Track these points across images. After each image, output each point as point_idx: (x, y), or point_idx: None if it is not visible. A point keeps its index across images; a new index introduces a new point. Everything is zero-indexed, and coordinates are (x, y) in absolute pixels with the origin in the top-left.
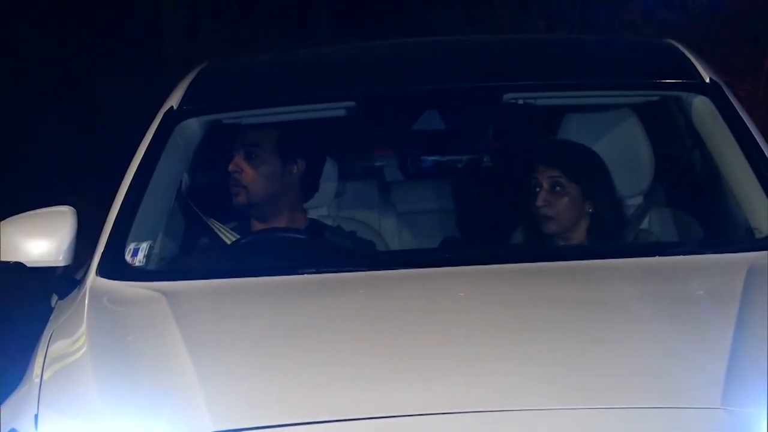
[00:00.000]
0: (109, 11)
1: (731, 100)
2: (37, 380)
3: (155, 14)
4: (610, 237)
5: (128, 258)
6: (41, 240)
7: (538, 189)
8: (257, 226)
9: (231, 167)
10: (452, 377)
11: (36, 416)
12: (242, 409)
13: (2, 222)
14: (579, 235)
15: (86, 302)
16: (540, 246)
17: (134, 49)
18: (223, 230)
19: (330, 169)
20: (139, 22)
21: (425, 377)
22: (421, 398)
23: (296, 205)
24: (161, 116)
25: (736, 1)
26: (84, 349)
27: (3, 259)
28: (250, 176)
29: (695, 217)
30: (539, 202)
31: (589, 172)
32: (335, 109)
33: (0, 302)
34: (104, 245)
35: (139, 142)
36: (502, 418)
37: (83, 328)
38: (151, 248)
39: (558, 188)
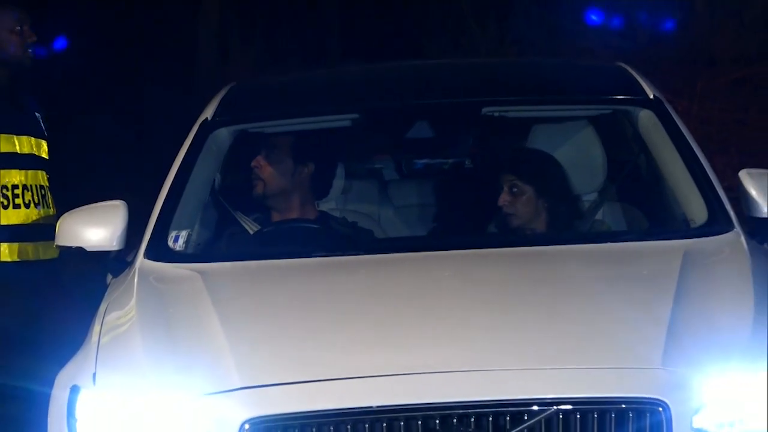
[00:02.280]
0: (154, 40)
1: (671, 113)
2: (95, 345)
3: (193, 42)
4: (566, 227)
5: (170, 243)
6: (98, 228)
7: (512, 185)
8: (275, 217)
9: (253, 163)
10: (438, 342)
11: (94, 374)
12: (265, 368)
13: (64, 214)
14: (540, 226)
15: (135, 280)
16: (509, 234)
17: (175, 72)
18: (247, 221)
19: (338, 170)
20: (179, 49)
21: (416, 343)
22: (413, 360)
23: (307, 199)
24: (197, 126)
25: (675, 33)
26: (133, 319)
27: (66, 245)
28: (267, 171)
29: (641, 210)
30: (500, 202)
31: (542, 174)
32: (342, 120)
33: (63, 281)
34: (151, 233)
35: (179, 148)
36: (479, 377)
37: (133, 301)
38: (189, 236)
39: (515, 189)
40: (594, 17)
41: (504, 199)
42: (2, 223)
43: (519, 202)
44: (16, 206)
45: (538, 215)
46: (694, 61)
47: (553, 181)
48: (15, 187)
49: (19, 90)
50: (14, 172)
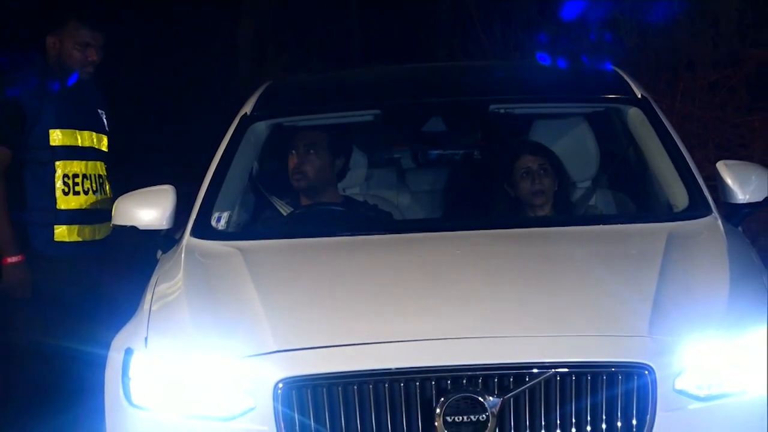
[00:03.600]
0: (199, 46)
1: (657, 111)
2: (147, 312)
3: (233, 48)
4: (564, 211)
5: (213, 223)
6: (150, 209)
7: (524, 171)
8: (305, 201)
9: (296, 161)
10: (450, 312)
11: (146, 338)
12: (297, 334)
13: (120, 197)
14: (547, 209)
15: (183, 255)
16: (515, 216)
17: (218, 73)
18: (281, 204)
19: (361, 159)
20: (221, 54)
21: (430, 312)
22: (428, 327)
23: (334, 186)
24: (237, 120)
25: (660, 38)
26: (181, 289)
27: (121, 224)
28: (311, 168)
29: (629, 196)
30: (533, 182)
31: (556, 161)
32: (365, 116)
33: (118, 256)
34: (196, 214)
35: (221, 140)
36: (486, 343)
37: (180, 274)
38: (230, 216)
39: (542, 171)
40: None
41: (535, 176)
42: (63, 208)
43: (546, 181)
44: (76, 193)
45: (545, 199)
46: (676, 67)
47: (561, 169)
48: (75, 176)
49: (85, 91)
50: (75, 162)
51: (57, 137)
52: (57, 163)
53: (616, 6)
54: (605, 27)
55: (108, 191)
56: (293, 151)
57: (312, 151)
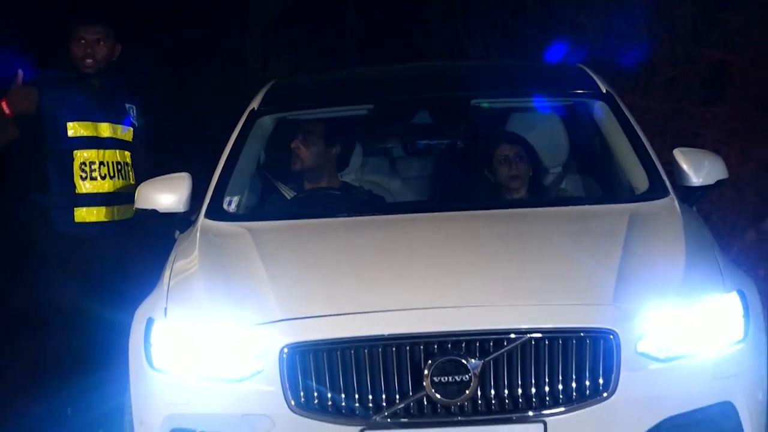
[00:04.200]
0: (211, 51)
1: (620, 104)
2: (166, 286)
3: (240, 53)
4: (537, 193)
5: (225, 206)
6: (169, 194)
7: (503, 158)
8: (307, 186)
9: (293, 146)
10: (435, 284)
11: (165, 309)
12: (300, 304)
13: (141, 183)
14: (523, 192)
15: (198, 235)
16: (494, 198)
17: (227, 75)
18: (285, 189)
19: (358, 149)
20: (230, 57)
21: (418, 284)
22: (416, 298)
23: (333, 173)
24: (246, 115)
25: (624, 38)
26: (196, 265)
27: (143, 207)
28: (304, 152)
29: (596, 180)
30: (510, 167)
31: (530, 149)
32: (360, 110)
33: (140, 236)
34: (210, 198)
35: (231, 134)
36: (468, 311)
37: (196, 251)
38: (240, 200)
39: (518, 158)
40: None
41: (512, 163)
42: (81, 192)
43: (522, 166)
44: (93, 178)
45: (520, 183)
46: (637, 65)
47: (535, 156)
48: (92, 163)
49: (109, 86)
50: (92, 151)
51: (74, 129)
52: (75, 152)
53: (584, 11)
54: (574, 30)
55: (131, 177)
56: (293, 139)
57: (307, 139)
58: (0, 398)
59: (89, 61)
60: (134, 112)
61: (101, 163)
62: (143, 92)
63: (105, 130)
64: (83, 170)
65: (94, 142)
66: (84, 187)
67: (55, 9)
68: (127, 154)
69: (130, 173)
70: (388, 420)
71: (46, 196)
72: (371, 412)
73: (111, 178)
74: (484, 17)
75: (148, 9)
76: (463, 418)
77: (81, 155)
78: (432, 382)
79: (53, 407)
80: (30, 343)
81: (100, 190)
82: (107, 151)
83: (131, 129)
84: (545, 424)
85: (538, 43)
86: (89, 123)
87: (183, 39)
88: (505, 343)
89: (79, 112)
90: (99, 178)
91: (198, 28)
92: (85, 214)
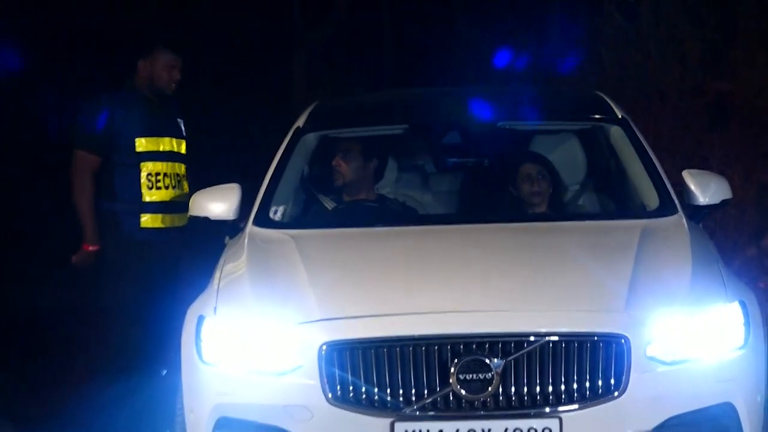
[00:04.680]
0: (262, 73)
1: (634, 129)
2: (216, 286)
3: (290, 80)
4: (558, 209)
5: (271, 215)
6: (220, 203)
7: (526, 176)
8: (347, 198)
9: (334, 163)
10: (462, 290)
11: (215, 307)
12: (338, 305)
13: (195, 193)
14: (544, 207)
15: (246, 241)
16: (518, 212)
17: (278, 98)
18: (326, 200)
19: (393, 165)
20: (281, 83)
21: (447, 289)
22: (445, 302)
23: (371, 186)
24: (291, 132)
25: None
26: (244, 268)
27: (196, 215)
28: (345, 168)
29: (611, 198)
30: (532, 184)
31: (550, 169)
32: (396, 130)
33: (194, 241)
34: (257, 207)
35: (278, 149)
36: (492, 316)
37: (244, 256)
38: (285, 210)
39: (540, 176)
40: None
41: (534, 181)
42: (147, 200)
43: (544, 184)
44: (158, 188)
45: (541, 199)
46: (650, 95)
47: (555, 175)
48: (158, 174)
49: (166, 104)
50: (158, 163)
51: (142, 144)
52: (142, 164)
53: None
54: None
55: (186, 187)
56: (335, 155)
57: (347, 156)
58: (71, 384)
59: (173, 85)
60: (182, 126)
61: (165, 175)
62: (200, 112)
63: (166, 144)
64: (149, 180)
65: (157, 155)
66: (149, 196)
67: (144, 37)
68: (183, 166)
69: (185, 183)
70: (417, 413)
71: (115, 204)
72: (401, 406)
73: (173, 188)
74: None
75: (205, 34)
76: (485, 413)
77: (147, 167)
78: (458, 379)
79: (114, 392)
80: (93, 334)
81: (164, 199)
82: (168, 164)
83: (184, 142)
84: (560, 419)
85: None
86: (154, 138)
87: (237, 63)
88: (525, 345)
89: (146, 128)
90: (163, 188)
91: (250, 53)
92: (149, 221)
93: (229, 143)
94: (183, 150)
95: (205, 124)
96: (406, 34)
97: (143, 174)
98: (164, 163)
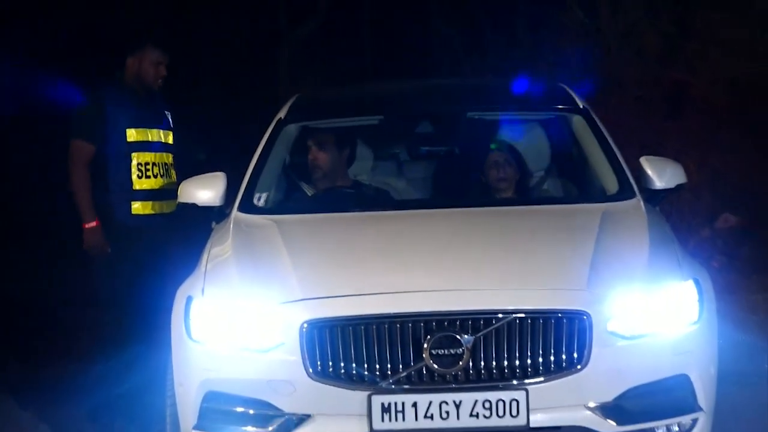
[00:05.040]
0: (247, 67)
1: (594, 118)
2: (203, 268)
3: (276, 74)
4: (526, 193)
5: (255, 201)
6: (207, 191)
7: (492, 163)
8: (323, 185)
9: (311, 157)
10: (435, 270)
11: (203, 288)
12: (318, 285)
13: (184, 181)
14: (511, 192)
15: (231, 225)
16: (487, 197)
17: (263, 91)
18: (306, 187)
19: (368, 153)
20: (264, 77)
21: (421, 270)
22: (419, 282)
23: (345, 173)
24: (274, 123)
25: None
26: (230, 251)
27: (185, 201)
28: (323, 159)
29: (573, 183)
30: (488, 172)
31: (516, 156)
32: (372, 120)
33: (182, 226)
34: (242, 194)
35: (261, 138)
36: (462, 294)
37: (230, 240)
38: (267, 196)
39: (506, 163)
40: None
41: (500, 168)
42: (137, 188)
43: (509, 170)
44: (147, 177)
45: (508, 184)
46: (610, 86)
47: (521, 161)
48: (147, 164)
49: (154, 97)
50: (147, 154)
51: (132, 135)
52: (132, 154)
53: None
54: (555, 53)
55: (173, 176)
56: (311, 147)
57: (322, 148)
58: (71, 360)
59: (160, 81)
60: (170, 118)
61: (153, 164)
62: (187, 104)
63: (155, 135)
64: (139, 170)
65: (146, 146)
66: (139, 184)
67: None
68: (170, 156)
69: (172, 172)
70: (393, 386)
71: (107, 192)
72: (378, 380)
73: (162, 177)
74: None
75: (194, 32)
76: (456, 386)
77: (137, 157)
78: (430, 354)
79: (111, 367)
80: (89, 315)
81: (153, 187)
82: (156, 154)
83: (171, 133)
84: (527, 391)
85: (525, 63)
86: (143, 129)
87: (223, 58)
88: (494, 322)
89: (135, 120)
90: (152, 176)
91: (237, 49)
92: (140, 208)
93: (218, 132)
94: (170, 141)
95: (193, 116)
96: (385, 33)
97: (133, 164)
98: (153, 154)
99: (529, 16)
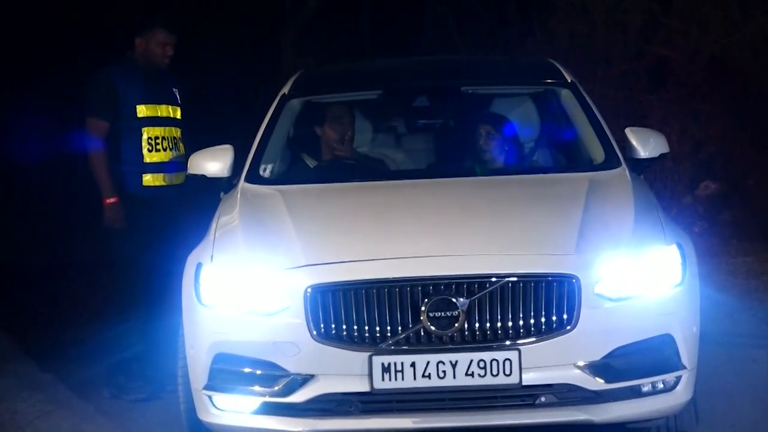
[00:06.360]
0: (254, 45)
1: (582, 91)
2: (212, 236)
3: (279, 50)
4: (516, 163)
5: (261, 172)
6: (215, 162)
7: (480, 136)
8: (327, 156)
9: (333, 129)
10: (432, 236)
11: (212, 255)
12: (321, 251)
13: (193, 153)
14: (500, 163)
15: (238, 195)
16: (479, 167)
17: (268, 66)
18: (308, 159)
19: (368, 126)
20: (269, 53)
21: (418, 236)
22: (417, 247)
23: (349, 146)
24: (278, 98)
25: (583, 42)
26: (237, 220)
27: (194, 173)
28: (342, 131)
29: (562, 153)
30: (482, 143)
31: (503, 127)
32: (371, 95)
33: (192, 196)
34: (248, 165)
35: (266, 112)
36: (458, 259)
37: (237, 209)
38: (273, 167)
39: (491, 135)
40: None
41: (484, 141)
42: (148, 161)
43: (493, 143)
44: (157, 150)
45: (500, 154)
46: (596, 60)
47: (510, 133)
48: (157, 138)
49: (162, 75)
50: (157, 128)
51: (142, 110)
52: (143, 129)
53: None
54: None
55: (182, 149)
56: (337, 122)
57: (344, 122)
58: (84, 322)
59: (167, 60)
60: (178, 94)
61: (163, 138)
62: (198, 80)
63: (163, 111)
64: (149, 144)
65: (156, 121)
66: (150, 157)
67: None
68: (179, 130)
69: (181, 146)
70: (392, 347)
71: (120, 165)
72: (378, 341)
73: (171, 150)
74: (472, 20)
75: (202, 12)
76: (452, 346)
77: (147, 131)
78: (428, 316)
79: (126, 331)
80: (105, 281)
81: (162, 160)
82: (166, 128)
83: (179, 108)
84: (519, 351)
85: (515, 44)
86: (152, 105)
87: (232, 37)
88: (488, 286)
89: (145, 96)
90: (161, 150)
91: (244, 27)
92: (151, 180)
93: (225, 107)
94: (178, 116)
95: (203, 92)
96: (383, 15)
97: (144, 138)
98: (162, 128)
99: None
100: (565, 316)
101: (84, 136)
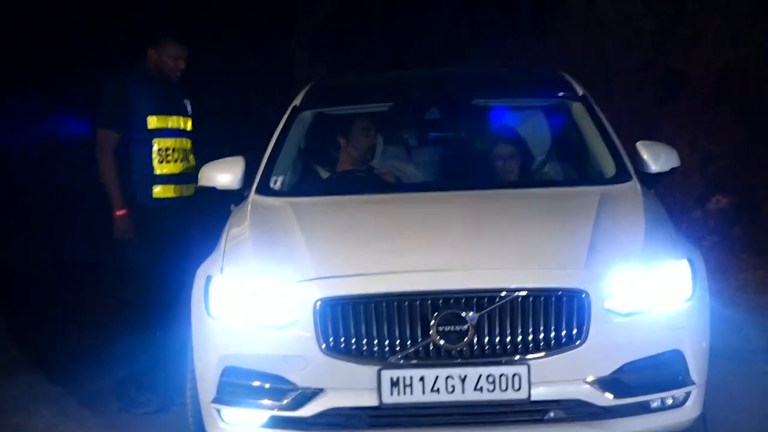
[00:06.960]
0: (266, 55)
1: (593, 105)
2: (222, 248)
3: (291, 59)
4: (528, 176)
5: (272, 184)
6: (226, 174)
7: (500, 156)
8: (347, 166)
9: (366, 144)
10: (443, 250)
11: (222, 267)
12: (331, 265)
13: (204, 165)
14: (514, 176)
15: (249, 207)
16: (491, 179)
17: (280, 77)
18: (321, 171)
19: (379, 139)
20: (281, 61)
21: (429, 250)
22: (427, 261)
23: (363, 158)
24: (290, 110)
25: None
26: (247, 232)
27: (205, 185)
28: (345, 149)
29: (573, 166)
30: (506, 163)
31: (520, 143)
32: (382, 107)
33: (202, 208)
34: (259, 177)
35: (277, 124)
36: (468, 273)
37: (247, 221)
38: (284, 179)
39: (511, 155)
40: None
41: (506, 161)
42: (158, 173)
43: (513, 163)
44: (168, 162)
45: (516, 169)
46: (608, 71)
47: (525, 149)
48: (167, 149)
49: (173, 86)
50: (168, 140)
51: (153, 122)
52: (153, 140)
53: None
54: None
55: (192, 160)
56: (363, 134)
57: (347, 137)
58: (92, 332)
59: (178, 73)
60: (189, 106)
61: (173, 149)
62: (209, 90)
63: (174, 122)
64: (160, 155)
65: (166, 132)
66: (160, 169)
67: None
68: (189, 141)
69: (191, 157)
70: (401, 361)
71: (130, 176)
72: (387, 355)
73: (181, 161)
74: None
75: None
76: (462, 361)
77: (158, 143)
78: (437, 331)
79: (135, 343)
80: (113, 292)
81: (173, 171)
82: (176, 140)
83: (190, 120)
84: (529, 366)
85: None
86: (163, 116)
87: (244, 46)
88: (497, 300)
89: (155, 107)
90: (172, 161)
91: (255, 38)
92: (161, 191)
93: (238, 118)
94: (189, 127)
95: (213, 101)
96: (395, 20)
97: (154, 149)
98: (173, 139)
99: (532, 4)
100: (574, 331)
101: (93, 145)
